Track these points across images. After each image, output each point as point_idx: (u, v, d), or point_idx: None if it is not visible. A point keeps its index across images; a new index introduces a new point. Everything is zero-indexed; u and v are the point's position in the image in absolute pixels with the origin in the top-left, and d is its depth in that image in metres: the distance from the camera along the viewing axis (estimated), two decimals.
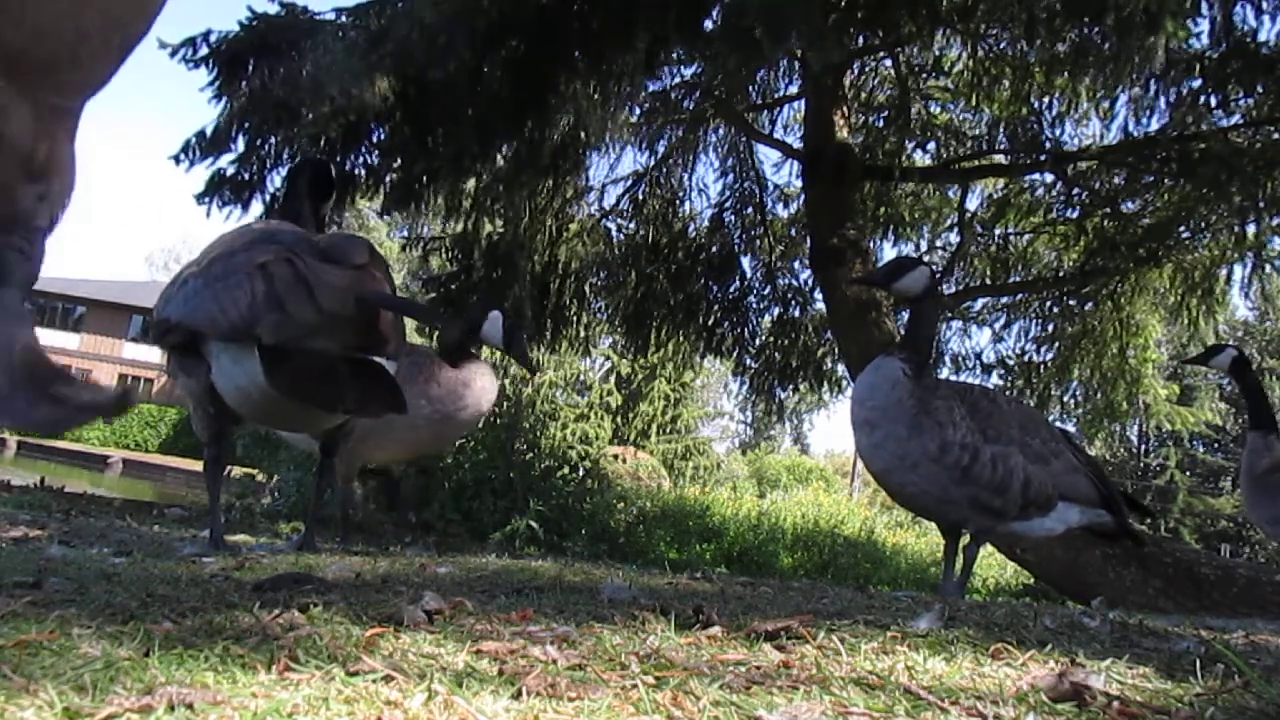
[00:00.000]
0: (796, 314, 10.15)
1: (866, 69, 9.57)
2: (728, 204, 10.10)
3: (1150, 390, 9.69)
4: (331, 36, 6.26)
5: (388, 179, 7.35)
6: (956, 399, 3.35)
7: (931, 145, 9.64)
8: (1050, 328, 9.97)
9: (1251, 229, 7.43)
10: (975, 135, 9.19)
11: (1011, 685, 1.15)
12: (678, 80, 8.73)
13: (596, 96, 6.57)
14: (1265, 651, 1.61)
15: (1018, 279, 9.88)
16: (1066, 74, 7.10)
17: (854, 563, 12.53)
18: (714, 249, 10.00)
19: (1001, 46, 7.83)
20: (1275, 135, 7.02)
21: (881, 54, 9.04)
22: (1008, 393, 8.79)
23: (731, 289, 10.17)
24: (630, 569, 3.54)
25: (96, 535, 3.35)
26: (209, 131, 6.87)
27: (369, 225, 33.23)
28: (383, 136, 7.18)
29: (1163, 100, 7.03)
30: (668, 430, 32.42)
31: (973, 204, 10.08)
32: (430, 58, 5.75)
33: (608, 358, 30.95)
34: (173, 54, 6.64)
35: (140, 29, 1.08)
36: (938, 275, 3.95)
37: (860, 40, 8.09)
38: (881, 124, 9.61)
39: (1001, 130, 8.83)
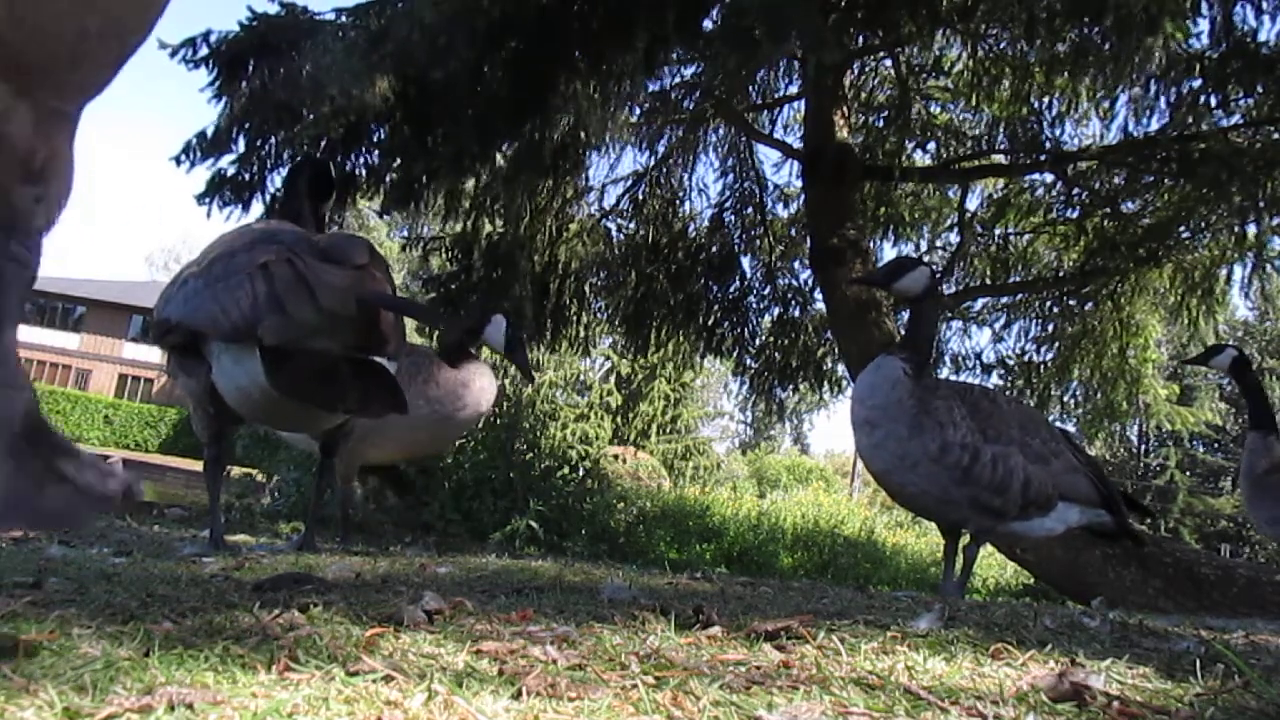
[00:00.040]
0: (796, 314, 10.15)
1: (866, 69, 9.58)
2: (728, 204, 10.11)
3: (1150, 390, 9.69)
4: (331, 37, 6.26)
5: (388, 179, 7.36)
6: (957, 399, 3.35)
7: (931, 145, 9.64)
8: (1050, 328, 9.97)
9: (1251, 229, 7.43)
10: (975, 135, 9.19)
11: (1011, 685, 1.15)
12: (678, 80, 8.74)
13: (596, 96, 6.57)
14: (1265, 651, 1.61)
15: (1018, 279, 9.88)
16: (1066, 74, 7.10)
17: (854, 563, 12.53)
18: (714, 249, 10.00)
19: (1001, 46, 7.83)
20: (1275, 135, 7.02)
21: (881, 54, 9.04)
22: (1008, 393, 8.79)
23: (731, 289, 10.17)
24: (630, 569, 3.54)
25: (96, 535, 3.35)
26: (209, 133, 6.87)
27: (369, 225, 33.23)
28: (383, 136, 7.18)
29: (1163, 100, 7.03)
30: (668, 430, 32.44)
31: (973, 204, 10.09)
32: (430, 58, 5.75)
33: (608, 358, 30.96)
34: (173, 54, 6.64)
35: (141, 32, 1.08)
36: (938, 275, 3.95)
37: (860, 40, 8.10)
38: (881, 124, 9.61)
39: (1001, 130, 8.83)
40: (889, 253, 10.27)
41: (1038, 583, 9.27)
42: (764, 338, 10.34)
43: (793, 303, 10.17)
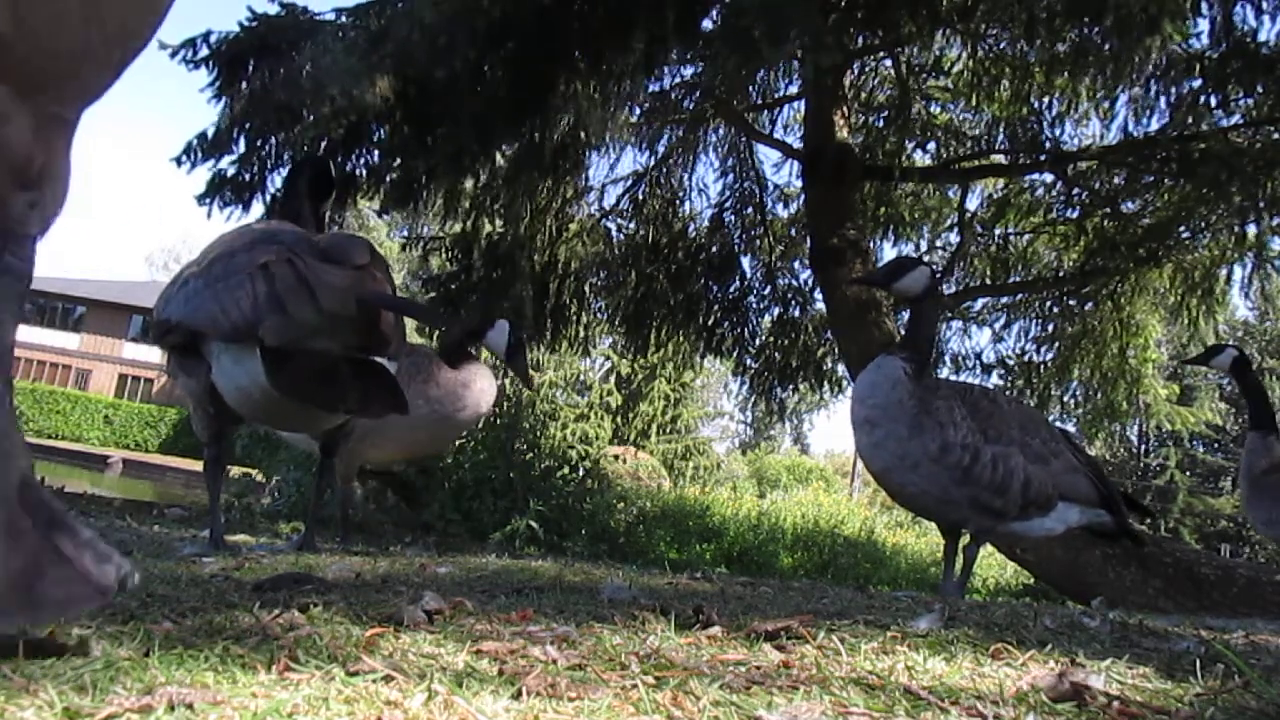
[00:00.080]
0: (796, 314, 10.15)
1: (866, 69, 9.58)
2: (728, 204, 10.11)
3: (1150, 390, 9.69)
4: (331, 37, 6.27)
5: (388, 179, 7.36)
6: (957, 399, 3.35)
7: (931, 145, 9.64)
8: (1050, 328, 9.97)
9: (1251, 229, 7.43)
10: (975, 135, 9.20)
11: (1011, 685, 1.15)
12: (678, 80, 8.74)
13: (596, 96, 6.57)
14: (1265, 651, 1.61)
15: (1018, 279, 9.89)
16: (1066, 74, 7.10)
17: (854, 563, 12.53)
18: (714, 249, 10.00)
19: (1001, 46, 7.83)
20: (1275, 135, 7.02)
21: (881, 54, 9.04)
22: (1008, 393, 8.79)
23: (731, 289, 10.17)
24: (630, 569, 3.54)
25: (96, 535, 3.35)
26: (210, 133, 6.87)
27: (369, 225, 33.24)
28: (383, 136, 7.19)
29: (1163, 100, 7.04)
30: (668, 430, 32.44)
31: (973, 204, 10.10)
32: (430, 58, 5.75)
33: (608, 358, 30.96)
34: (173, 55, 6.65)
35: (143, 37, 1.08)
36: (938, 275, 3.94)
37: (860, 40, 8.09)
38: (881, 124, 9.61)
39: (1001, 130, 8.83)
40: (889, 253, 10.29)
41: (1038, 583, 9.27)
42: (764, 338, 10.34)
43: (793, 303, 10.17)
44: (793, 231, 10.34)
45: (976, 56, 8.07)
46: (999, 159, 9.14)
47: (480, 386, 4.24)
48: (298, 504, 7.36)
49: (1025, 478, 3.30)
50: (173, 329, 2.60)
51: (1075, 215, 9.02)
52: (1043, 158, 8.55)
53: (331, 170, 3.44)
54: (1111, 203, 8.51)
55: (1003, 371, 10.37)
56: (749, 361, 10.34)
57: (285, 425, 3.44)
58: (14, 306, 1.08)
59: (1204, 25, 6.60)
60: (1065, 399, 10.09)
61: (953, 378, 8.52)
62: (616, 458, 14.64)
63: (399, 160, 7.27)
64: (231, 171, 7.04)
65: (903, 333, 4.30)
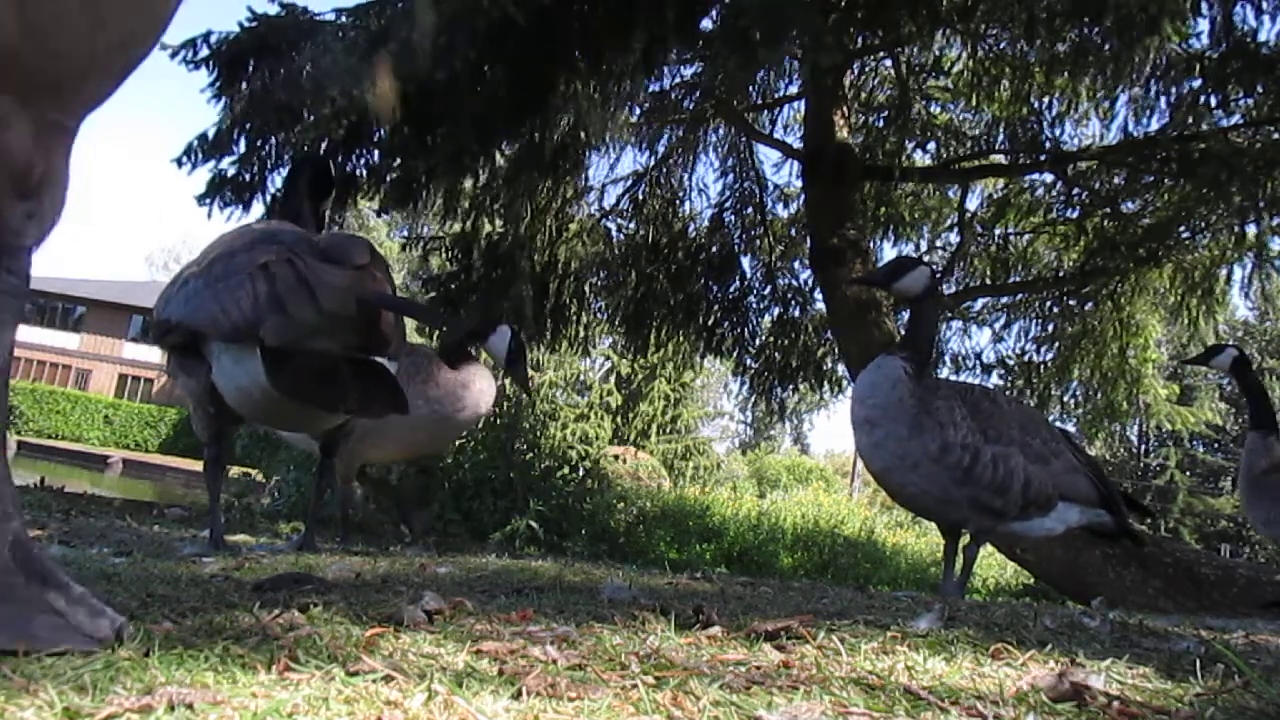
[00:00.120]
0: (796, 314, 10.14)
1: (866, 69, 9.57)
2: (728, 204, 10.11)
3: (1150, 390, 9.69)
4: (331, 37, 6.26)
5: (388, 178, 7.36)
6: (957, 399, 3.35)
7: (931, 145, 9.64)
8: (1050, 328, 9.97)
9: (1251, 229, 7.43)
10: (975, 135, 9.20)
11: (1011, 685, 1.15)
12: (678, 80, 8.74)
13: (596, 96, 6.57)
14: (1265, 651, 1.61)
15: (1018, 279, 9.89)
16: (1066, 74, 7.10)
17: (854, 563, 12.52)
18: (714, 249, 10.00)
19: (1001, 46, 7.83)
20: (1275, 135, 7.02)
21: (881, 54, 9.04)
22: (1008, 393, 8.79)
23: (731, 289, 10.17)
24: (630, 569, 3.54)
25: (96, 535, 3.35)
26: (211, 135, 6.88)
27: (369, 225, 33.25)
28: (383, 136, 7.18)
29: (1163, 100, 7.04)
30: (668, 430, 32.45)
31: (973, 204, 10.10)
32: (430, 58, 5.75)
33: (608, 358, 30.97)
34: (173, 55, 6.64)
35: (147, 48, 1.08)
36: (938, 275, 3.94)
37: (860, 40, 8.09)
38: (881, 124, 9.61)
39: (1001, 130, 8.83)
40: (889, 253, 10.29)
41: (1038, 583, 9.27)
42: (764, 338, 10.34)
43: (793, 303, 10.16)
44: (793, 231, 10.34)
45: (976, 56, 8.07)
46: (999, 159, 9.14)
47: (479, 387, 4.25)
48: (298, 504, 7.36)
49: (1025, 478, 3.30)
50: (173, 329, 2.60)
51: (1075, 215, 9.02)
52: (1043, 158, 8.55)
53: (331, 169, 3.44)
54: (1111, 203, 8.51)
55: (1003, 371, 10.37)
56: (749, 361, 10.34)
57: (285, 425, 3.44)
58: (8, 332, 1.08)
59: (1204, 25, 6.61)
60: (1065, 399, 10.09)
61: (953, 378, 8.52)
62: (616, 458, 14.64)
63: (399, 160, 7.27)
64: (232, 171, 7.04)
65: (903, 333, 4.29)
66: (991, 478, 3.25)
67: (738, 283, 10.18)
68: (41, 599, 1.06)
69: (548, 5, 5.85)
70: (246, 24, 6.69)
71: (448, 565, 2.74)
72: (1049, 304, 9.94)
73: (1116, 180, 8.43)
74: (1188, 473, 34.96)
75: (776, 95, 9.92)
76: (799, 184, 9.66)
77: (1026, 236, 9.77)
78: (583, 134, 7.54)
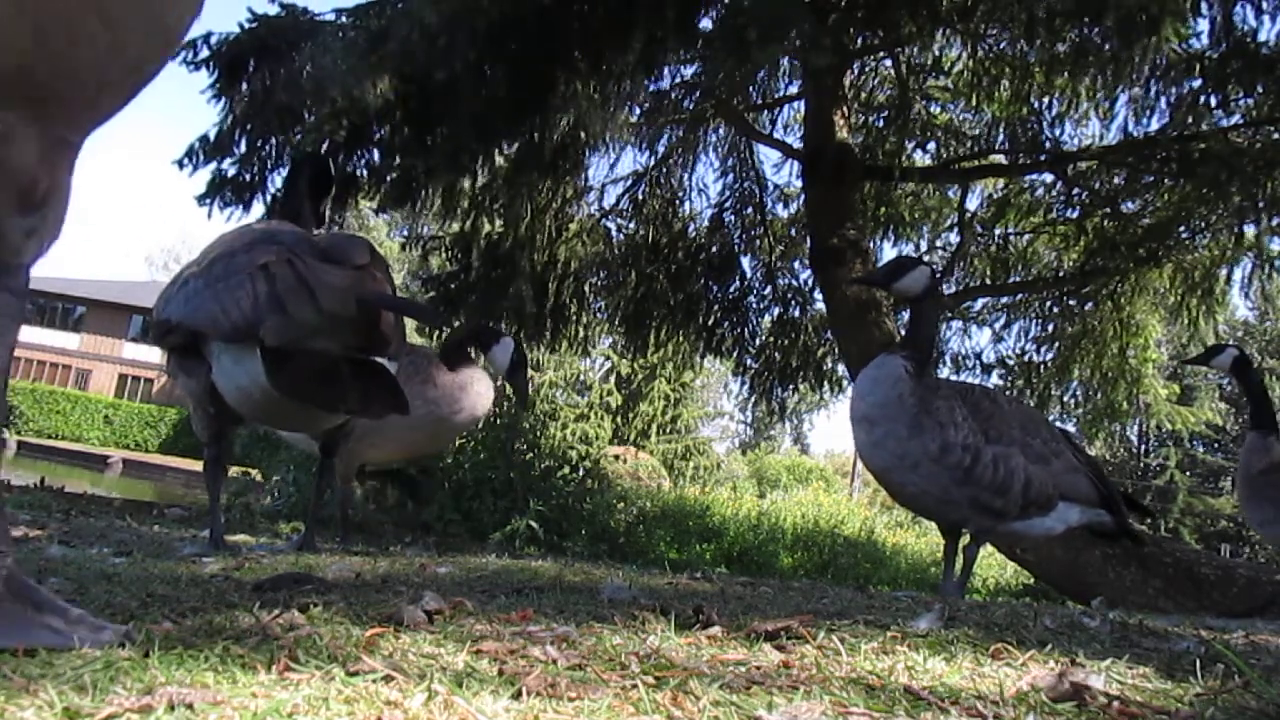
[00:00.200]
0: (796, 314, 10.14)
1: (866, 69, 9.57)
2: (728, 204, 10.10)
3: (1150, 390, 9.69)
4: (331, 37, 6.27)
5: (388, 178, 7.36)
6: (958, 399, 3.35)
7: (931, 145, 9.64)
8: (1050, 328, 9.97)
9: (1251, 229, 7.43)
10: (975, 135, 9.19)
11: (1011, 685, 1.15)
12: (678, 80, 8.74)
13: (596, 96, 6.57)
14: (1265, 651, 1.61)
15: (1018, 279, 9.88)
16: (1066, 74, 7.10)
17: (854, 563, 12.52)
18: (714, 249, 10.00)
19: (1001, 46, 7.83)
20: (1275, 135, 7.01)
21: (881, 54, 9.04)
22: (1008, 393, 8.79)
23: (731, 289, 10.17)
24: (630, 569, 3.54)
25: (96, 535, 3.35)
26: (212, 136, 6.88)
27: (369, 225, 33.26)
28: (383, 136, 7.19)
29: (1163, 100, 7.03)
30: (668, 430, 32.45)
31: (973, 204, 10.10)
32: (430, 58, 5.75)
33: (608, 358, 30.98)
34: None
35: (159, 66, 1.08)
36: (938, 275, 3.94)
37: (860, 40, 8.09)
38: (881, 124, 9.61)
39: (1001, 130, 8.83)
40: (889, 253, 10.28)
41: (1038, 583, 9.27)
42: (764, 338, 10.34)
43: (793, 303, 10.16)
44: (793, 231, 10.33)
45: (976, 56, 8.07)
46: (999, 159, 9.13)
47: (478, 390, 4.26)
48: (298, 504, 7.36)
49: (1026, 478, 3.30)
50: (173, 329, 2.60)
51: (1075, 215, 9.02)
52: (1043, 158, 8.55)
53: (331, 169, 3.44)
54: (1111, 203, 8.51)
55: (1003, 371, 10.37)
56: (749, 361, 10.34)
57: (285, 425, 3.44)
58: (5, 351, 1.08)
59: (1204, 25, 6.61)
60: (1065, 399, 10.09)
61: (953, 378, 8.52)
62: (616, 458, 14.63)
63: (398, 160, 7.28)
64: (232, 171, 7.05)
65: (903, 333, 4.29)
66: (992, 478, 3.25)
67: (738, 283, 10.18)
68: (39, 620, 1.07)
69: (548, 5, 5.85)
70: (246, 25, 6.70)
71: (448, 565, 2.74)
72: (1049, 304, 9.94)
73: (1116, 180, 8.43)
74: (1188, 473, 34.96)
75: (776, 95, 9.92)
76: (799, 184, 9.66)
77: (1026, 236, 9.77)
78: (583, 134, 7.54)
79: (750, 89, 9.28)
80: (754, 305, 10.27)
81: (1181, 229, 8.05)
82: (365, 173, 7.33)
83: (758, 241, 10.17)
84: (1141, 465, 36.87)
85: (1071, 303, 9.63)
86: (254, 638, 1.17)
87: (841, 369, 9.74)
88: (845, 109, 8.62)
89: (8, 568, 1.08)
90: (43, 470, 15.04)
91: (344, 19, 6.60)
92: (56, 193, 1.07)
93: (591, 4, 6.18)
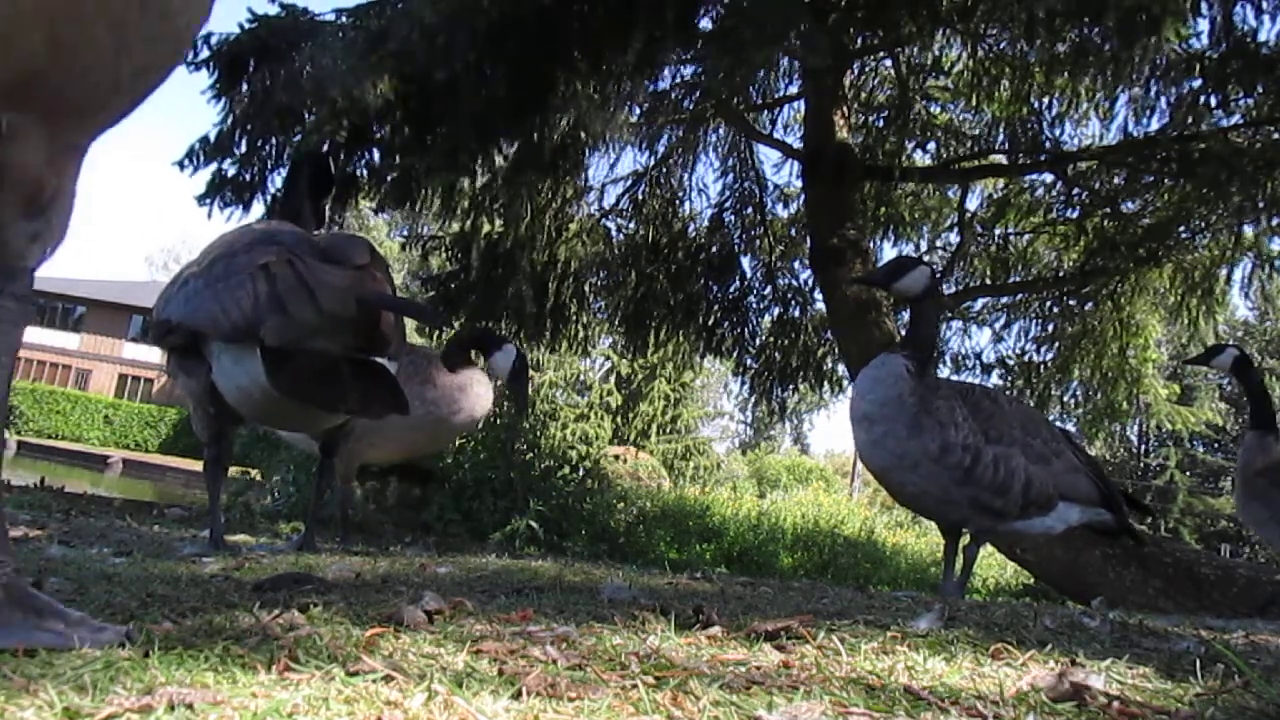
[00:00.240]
0: (796, 314, 10.14)
1: (866, 69, 9.57)
2: (728, 204, 10.10)
3: (1150, 390, 9.69)
4: (331, 37, 6.27)
5: (388, 178, 7.36)
6: (958, 399, 3.35)
7: (931, 145, 9.64)
8: (1050, 328, 9.97)
9: (1251, 229, 7.43)
10: (975, 135, 9.19)
11: (1011, 685, 1.15)
12: (678, 80, 8.74)
13: (596, 96, 6.57)
14: (1265, 651, 1.61)
15: (1018, 279, 9.88)
16: (1066, 74, 7.10)
17: (854, 563, 12.52)
18: (714, 249, 10.00)
19: (1001, 46, 7.83)
20: (1275, 135, 7.01)
21: (881, 54, 9.04)
22: (1008, 393, 8.79)
23: (731, 289, 10.17)
24: (630, 569, 3.54)
25: (96, 535, 3.35)
26: (213, 137, 6.88)
27: (369, 225, 33.27)
28: (384, 136, 7.19)
29: (1163, 100, 7.04)
30: (668, 430, 32.45)
31: (973, 204, 10.09)
32: (430, 58, 5.75)
33: (608, 358, 30.98)
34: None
35: (167, 72, 1.09)
36: (938, 275, 3.94)
37: (860, 40, 8.09)
38: (881, 124, 9.61)
39: (1001, 130, 8.83)
40: (889, 253, 10.28)
41: (1038, 583, 9.27)
42: (764, 338, 10.33)
43: (793, 303, 10.16)
44: (793, 231, 10.33)
45: (976, 56, 8.07)
46: (999, 159, 9.13)
47: (477, 392, 4.26)
48: (298, 504, 7.35)
49: (1026, 478, 3.30)
50: (173, 329, 2.60)
51: (1075, 215, 9.02)
52: (1043, 158, 8.55)
53: (331, 167, 3.44)
54: (1111, 203, 8.51)
55: (1003, 371, 10.36)
56: (749, 361, 10.34)
57: (285, 425, 3.44)
58: (7, 358, 1.08)
59: (1204, 25, 6.61)
60: (1065, 399, 10.09)
61: (953, 378, 8.52)
62: (616, 458, 14.63)
63: (399, 160, 7.28)
64: (232, 171, 7.05)
65: (903, 333, 4.29)
66: (992, 478, 3.25)
67: (738, 283, 10.18)
68: (40, 624, 1.07)
69: (548, 5, 5.85)
70: (246, 25, 6.70)
71: (448, 565, 2.74)
72: (1049, 304, 9.93)
73: (1116, 180, 8.43)
74: (1188, 473, 34.96)
75: (776, 95, 9.91)
76: (799, 184, 9.66)
77: (1026, 236, 9.77)
78: (583, 134, 7.54)
79: (750, 89, 9.28)
80: (754, 305, 10.27)
81: (1181, 229, 8.05)
82: (365, 173, 7.32)
83: (758, 241, 10.17)
84: (1141, 465, 36.87)
85: (1071, 303, 9.62)
86: (254, 638, 1.17)
87: (841, 369, 9.74)
88: (845, 109, 8.62)
89: (8, 576, 1.09)
90: (43, 470, 15.04)
91: (344, 19, 6.61)
92: (62, 197, 1.07)
93: (591, 4, 6.18)
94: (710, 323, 10.19)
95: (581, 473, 9.69)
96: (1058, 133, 8.40)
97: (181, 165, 6.91)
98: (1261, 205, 6.81)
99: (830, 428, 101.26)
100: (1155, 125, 7.37)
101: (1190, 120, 7.00)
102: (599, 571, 2.84)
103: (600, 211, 10.10)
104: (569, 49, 6.31)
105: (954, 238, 10.34)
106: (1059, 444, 3.49)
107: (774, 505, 15.55)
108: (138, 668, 0.98)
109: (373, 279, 2.43)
